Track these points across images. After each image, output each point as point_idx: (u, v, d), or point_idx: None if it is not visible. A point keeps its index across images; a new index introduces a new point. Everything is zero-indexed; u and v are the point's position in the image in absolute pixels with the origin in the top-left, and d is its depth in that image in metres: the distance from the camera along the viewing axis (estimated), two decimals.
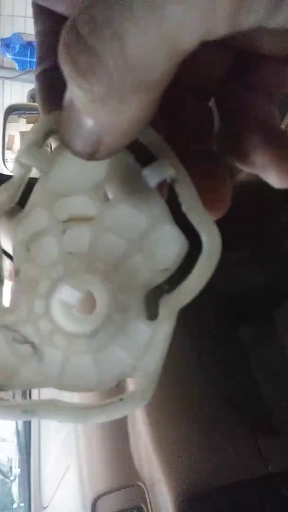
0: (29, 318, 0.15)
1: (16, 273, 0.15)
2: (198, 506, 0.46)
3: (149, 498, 0.49)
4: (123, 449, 0.53)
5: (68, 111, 0.12)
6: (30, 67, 2.03)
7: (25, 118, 1.30)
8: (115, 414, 0.15)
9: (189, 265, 0.15)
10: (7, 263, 0.16)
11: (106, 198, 0.15)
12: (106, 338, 0.15)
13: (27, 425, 0.83)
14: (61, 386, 0.15)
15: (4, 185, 0.15)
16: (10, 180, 0.15)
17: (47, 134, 0.15)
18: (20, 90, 2.25)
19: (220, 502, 0.46)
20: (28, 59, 2.03)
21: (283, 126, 0.47)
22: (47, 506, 0.65)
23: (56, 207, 0.15)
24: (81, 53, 0.09)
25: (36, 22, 0.15)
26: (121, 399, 0.15)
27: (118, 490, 0.51)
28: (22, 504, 0.94)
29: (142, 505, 0.49)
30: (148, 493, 0.50)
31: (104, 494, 0.51)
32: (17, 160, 0.15)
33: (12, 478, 1.09)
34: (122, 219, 0.15)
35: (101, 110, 0.10)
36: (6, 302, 0.16)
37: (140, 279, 0.16)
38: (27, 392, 0.75)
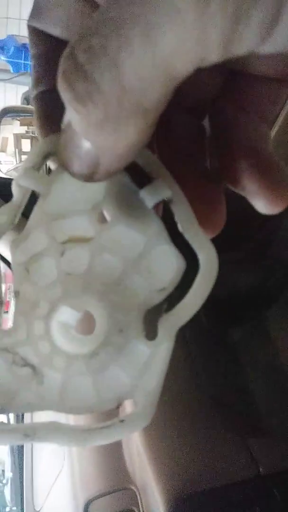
0: (28, 340, 0.15)
1: (16, 294, 0.15)
2: (189, 508, 0.46)
3: (141, 502, 0.49)
4: (115, 452, 0.53)
5: (66, 134, 0.12)
6: (24, 69, 2.03)
7: (19, 120, 1.30)
8: (116, 436, 0.14)
9: (187, 281, 0.16)
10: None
11: (104, 219, 0.16)
12: (106, 358, 0.15)
13: None
14: (62, 409, 0.15)
15: (3, 208, 0.15)
16: (9, 202, 0.15)
17: (46, 157, 0.15)
18: (14, 92, 2.24)
19: (211, 504, 0.47)
20: (23, 61, 2.03)
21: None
22: (39, 510, 0.65)
23: (54, 228, 0.15)
24: (79, 80, 0.10)
25: (31, 45, 0.15)
26: (122, 421, 0.14)
27: (110, 493, 0.51)
28: (14, 508, 0.94)
29: (134, 508, 0.50)
30: (140, 496, 0.50)
31: (96, 497, 0.51)
32: (16, 183, 0.15)
33: (4, 481, 1.09)
34: (120, 240, 0.16)
35: (99, 134, 0.11)
36: (5, 325, 0.16)
37: (138, 299, 0.16)
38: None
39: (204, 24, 0.09)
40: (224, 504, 0.46)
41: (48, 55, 0.15)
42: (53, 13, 0.14)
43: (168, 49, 0.09)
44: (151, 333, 0.15)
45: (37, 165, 0.15)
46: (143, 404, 0.15)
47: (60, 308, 0.15)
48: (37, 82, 0.15)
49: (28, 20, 0.15)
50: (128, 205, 0.15)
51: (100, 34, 0.09)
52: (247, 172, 0.15)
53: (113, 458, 0.53)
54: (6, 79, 2.06)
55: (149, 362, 0.15)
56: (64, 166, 0.13)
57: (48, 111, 0.15)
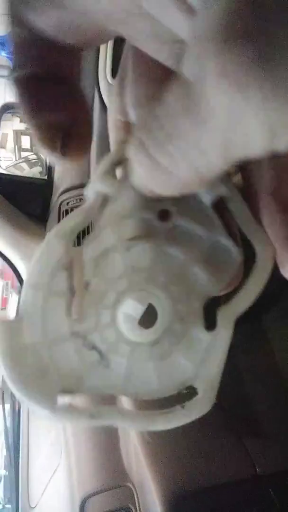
0: (96, 327, 0.17)
1: (86, 286, 0.17)
2: (186, 507, 0.46)
3: (137, 499, 0.50)
4: (112, 450, 0.54)
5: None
6: None
7: (19, 117, 1.29)
8: (177, 421, 0.15)
9: (244, 273, 0.17)
10: None
11: (166, 215, 0.17)
12: (168, 346, 0.16)
13: (16, 424, 0.83)
14: (125, 392, 0.16)
15: (79, 210, 0.17)
16: (82, 206, 0.17)
17: (117, 164, 0.16)
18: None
19: (208, 503, 0.47)
20: None
21: None
22: (35, 507, 0.65)
23: (121, 227, 0.17)
24: (147, 158, 0.13)
25: (13, 32, 0.15)
26: (183, 407, 0.15)
27: (107, 490, 0.51)
28: (8, 505, 0.94)
29: (131, 506, 0.50)
30: (136, 494, 0.50)
31: (92, 494, 0.51)
32: (93, 188, 0.17)
33: None
34: (181, 235, 0.17)
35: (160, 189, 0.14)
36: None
37: (199, 289, 0.17)
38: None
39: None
40: (220, 503, 0.47)
41: (30, 42, 0.15)
42: (49, 13, 0.14)
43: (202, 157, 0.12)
44: (210, 323, 0.16)
45: (110, 172, 0.16)
46: (204, 391, 0.16)
47: (126, 300, 0.16)
48: (19, 66, 0.15)
49: (13, 5, 0.14)
50: (188, 203, 0.17)
51: (153, 137, 0.12)
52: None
53: (110, 455, 0.53)
54: (6, 76, 2.04)
55: (209, 349, 0.16)
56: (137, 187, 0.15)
57: (36, 97, 0.15)
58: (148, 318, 0.16)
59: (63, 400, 0.16)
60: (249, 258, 0.17)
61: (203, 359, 0.16)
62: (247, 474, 0.47)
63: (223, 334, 0.16)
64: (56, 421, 0.16)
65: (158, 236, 0.17)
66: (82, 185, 0.80)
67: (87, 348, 0.16)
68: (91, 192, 0.17)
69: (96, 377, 0.16)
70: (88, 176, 0.76)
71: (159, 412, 0.15)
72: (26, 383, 0.16)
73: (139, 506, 0.49)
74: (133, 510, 0.49)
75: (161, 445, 0.50)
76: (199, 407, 0.15)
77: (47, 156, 0.17)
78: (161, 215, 0.17)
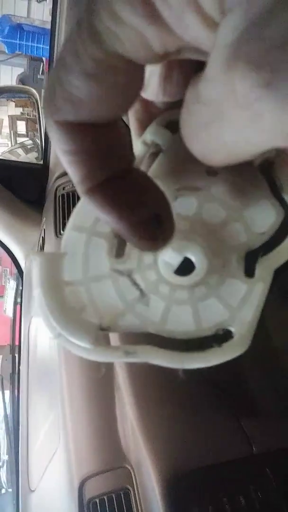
0: (138, 268, 0.18)
1: None
2: (183, 487, 0.47)
3: (135, 480, 0.50)
4: (110, 431, 0.54)
5: None
6: (19, 50, 1.99)
7: (14, 101, 1.27)
8: (214, 360, 0.16)
9: (284, 230, 0.18)
10: None
11: (214, 171, 0.17)
12: (206, 290, 0.17)
13: (16, 410, 0.83)
14: (161, 331, 0.17)
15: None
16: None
17: (169, 123, 0.17)
18: (9, 73, 2.20)
19: (205, 482, 0.47)
20: (17, 41, 1.98)
21: None
22: (34, 490, 0.66)
23: (170, 178, 0.17)
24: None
25: (65, 141, 0.14)
26: (220, 346, 0.16)
27: (105, 472, 0.52)
28: (10, 490, 0.95)
29: (129, 486, 0.50)
30: (134, 475, 0.50)
31: (91, 476, 0.52)
32: (143, 139, 0.17)
33: (0, 464, 1.10)
34: (227, 191, 0.18)
35: None
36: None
37: (240, 241, 0.18)
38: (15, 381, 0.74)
39: None
40: (217, 482, 0.47)
41: (95, 146, 0.14)
42: (96, 105, 0.13)
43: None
44: (249, 272, 0.18)
45: (163, 125, 0.17)
46: (240, 333, 0.17)
47: (166, 248, 0.17)
48: (90, 175, 0.14)
49: (56, 116, 0.13)
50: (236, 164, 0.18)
51: None
52: None
53: (108, 437, 0.54)
54: (1, 60, 2.02)
55: (247, 296, 0.17)
56: None
57: (117, 199, 0.15)
58: (190, 267, 0.17)
59: (101, 336, 0.16)
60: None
61: (240, 305, 0.17)
62: (244, 453, 0.48)
63: (261, 283, 0.17)
64: (94, 357, 0.17)
65: (204, 190, 0.18)
66: None
67: (130, 284, 0.17)
68: (138, 144, 0.17)
69: (134, 315, 0.17)
70: None
71: (196, 351, 0.16)
72: (67, 317, 0.17)
73: (137, 487, 0.49)
74: (131, 491, 0.50)
75: (158, 426, 0.50)
76: (235, 348, 0.16)
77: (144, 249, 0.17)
78: (209, 170, 0.17)
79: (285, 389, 0.55)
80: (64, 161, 0.14)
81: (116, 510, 0.49)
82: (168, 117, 0.17)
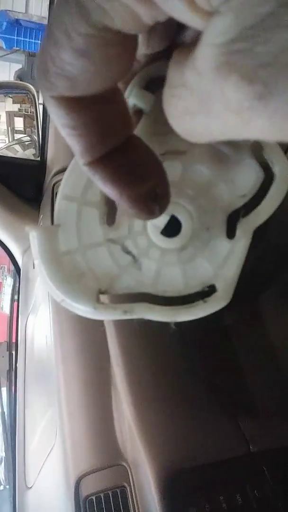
0: (129, 235, 0.19)
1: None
2: (180, 485, 0.46)
3: (132, 478, 0.50)
4: (107, 429, 0.54)
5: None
6: (17, 46, 1.97)
7: (11, 98, 1.26)
8: (200, 313, 0.18)
9: (263, 192, 0.19)
10: None
11: None
12: (193, 252, 0.19)
13: (12, 406, 0.83)
14: (155, 291, 0.19)
15: None
16: None
17: (150, 81, 0.17)
18: (7, 69, 2.19)
19: (202, 481, 0.47)
20: (15, 37, 1.97)
21: None
22: (31, 487, 0.66)
23: (154, 142, 0.17)
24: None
25: (65, 115, 0.14)
26: (205, 301, 0.18)
27: (102, 469, 0.52)
28: (8, 486, 0.95)
29: (125, 484, 0.50)
30: (131, 473, 0.50)
31: (87, 473, 0.52)
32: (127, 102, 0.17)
33: None
34: (210, 153, 0.18)
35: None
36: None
37: (223, 203, 0.19)
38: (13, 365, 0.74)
39: None
40: (214, 481, 0.47)
41: (94, 120, 0.14)
42: (94, 81, 0.13)
43: None
44: (231, 233, 0.19)
45: (143, 86, 0.17)
46: (223, 288, 0.18)
47: None
48: (91, 149, 0.14)
49: (52, 92, 0.13)
50: None
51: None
52: None
53: (105, 435, 0.53)
54: None
55: (229, 255, 0.19)
56: None
57: (120, 171, 0.15)
58: (177, 228, 0.18)
59: (100, 299, 0.18)
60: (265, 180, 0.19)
61: (223, 263, 0.18)
62: (241, 451, 0.48)
63: (242, 242, 0.18)
64: (96, 317, 0.18)
65: (188, 154, 0.18)
66: None
67: (122, 252, 0.18)
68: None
69: (128, 278, 0.19)
70: None
71: (183, 306, 0.18)
72: (67, 284, 0.18)
73: (133, 485, 0.49)
74: (128, 489, 0.50)
75: (155, 424, 0.50)
76: (218, 301, 0.18)
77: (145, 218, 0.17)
78: None
79: (283, 388, 0.55)
80: (63, 134, 0.14)
81: (112, 507, 0.49)
82: (147, 74, 0.17)
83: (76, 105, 0.13)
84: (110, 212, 0.18)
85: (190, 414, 0.51)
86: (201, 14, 0.10)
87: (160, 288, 0.19)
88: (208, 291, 0.18)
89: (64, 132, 0.14)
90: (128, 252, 0.18)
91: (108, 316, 0.18)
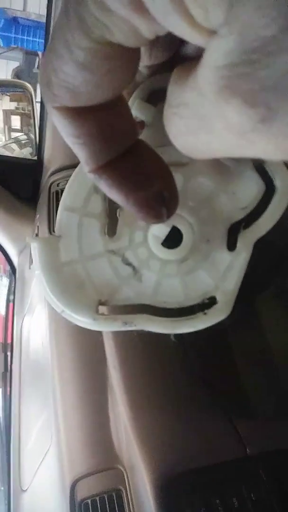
0: (130, 246, 0.19)
1: (121, 208, 0.18)
2: (176, 488, 0.46)
3: (128, 481, 0.49)
4: (102, 432, 0.53)
5: None
6: (14, 44, 1.96)
7: (8, 96, 1.26)
8: (200, 325, 0.18)
9: (264, 204, 0.19)
10: None
11: None
12: (194, 264, 0.19)
13: (7, 408, 0.82)
14: (155, 302, 0.19)
15: None
16: None
17: (151, 93, 0.17)
18: (4, 68, 2.18)
19: (198, 484, 0.47)
20: (13, 35, 1.96)
21: None
22: (26, 489, 0.65)
23: None
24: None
25: (69, 125, 0.14)
26: (205, 313, 0.18)
27: (97, 473, 0.51)
28: (2, 489, 0.94)
29: (121, 487, 0.50)
30: (127, 476, 0.50)
31: (83, 476, 0.51)
32: None
33: None
34: (211, 166, 0.18)
35: None
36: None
37: (224, 215, 0.19)
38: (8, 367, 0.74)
39: None
40: (211, 483, 0.47)
41: (98, 128, 0.14)
42: (98, 90, 0.13)
43: None
44: (232, 245, 0.19)
45: (144, 99, 0.17)
46: (223, 301, 0.18)
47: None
48: (96, 156, 0.14)
49: (55, 103, 0.13)
50: None
51: None
52: None
53: (101, 437, 0.53)
54: None
55: (229, 267, 0.19)
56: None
57: (127, 178, 0.15)
58: (178, 239, 0.18)
59: (100, 310, 0.18)
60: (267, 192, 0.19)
61: (224, 275, 0.19)
62: (237, 454, 0.47)
63: (243, 255, 0.19)
64: (96, 328, 0.18)
65: (189, 165, 0.18)
66: (72, 166, 0.78)
67: (123, 263, 0.19)
68: None
69: (129, 289, 0.19)
70: None
71: (185, 318, 0.18)
72: (67, 295, 0.18)
73: (129, 488, 0.49)
74: (124, 492, 0.49)
75: (151, 427, 0.49)
76: (218, 314, 0.18)
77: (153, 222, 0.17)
78: None
79: (280, 390, 0.55)
80: (68, 143, 0.14)
81: (108, 511, 0.48)
82: (149, 86, 0.17)
83: (79, 115, 0.14)
84: (111, 223, 0.19)
85: (187, 416, 0.50)
86: (201, 31, 0.10)
87: (160, 299, 0.19)
88: (208, 303, 0.18)
89: (68, 141, 0.14)
90: (128, 264, 0.19)
91: (108, 327, 0.18)
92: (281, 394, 0.55)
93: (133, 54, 0.13)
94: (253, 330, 0.62)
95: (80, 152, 0.14)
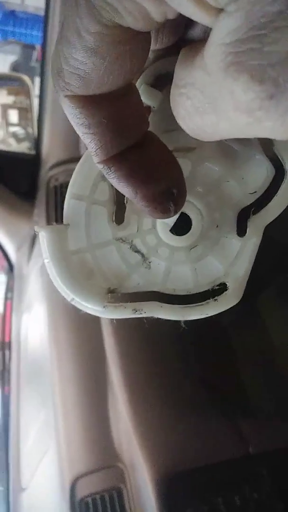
0: (138, 233, 0.19)
1: None
2: (177, 487, 0.46)
3: (128, 479, 0.49)
4: (103, 430, 0.53)
5: None
6: (12, 37, 1.95)
7: (6, 89, 1.24)
8: (211, 311, 0.18)
9: (274, 189, 0.18)
10: None
11: None
12: (203, 250, 0.19)
13: (6, 406, 0.82)
14: (164, 289, 0.19)
15: None
16: None
17: (157, 77, 0.17)
18: (2, 61, 2.16)
19: (200, 482, 0.46)
20: (11, 28, 1.94)
21: None
22: (26, 488, 0.65)
23: (163, 139, 0.17)
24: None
25: (83, 114, 0.14)
26: (215, 300, 0.18)
27: (97, 471, 0.51)
28: (2, 488, 0.94)
29: (122, 485, 0.49)
30: (127, 474, 0.49)
31: (83, 475, 0.51)
32: None
33: None
34: (219, 149, 0.18)
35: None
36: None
37: (233, 200, 0.18)
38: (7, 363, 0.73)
39: None
40: (212, 482, 0.46)
41: (108, 118, 0.14)
42: (109, 79, 0.13)
43: None
44: (242, 231, 0.19)
45: (150, 83, 0.17)
46: (233, 287, 0.18)
47: None
48: (106, 147, 0.14)
49: (67, 91, 0.13)
50: None
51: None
52: None
53: (101, 435, 0.53)
54: None
55: (240, 253, 0.18)
56: None
57: (138, 169, 0.15)
58: (187, 226, 0.18)
59: (109, 298, 0.18)
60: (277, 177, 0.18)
61: (234, 261, 0.18)
62: (240, 453, 0.47)
63: (252, 240, 0.18)
64: (106, 316, 0.18)
65: (198, 150, 0.18)
66: (71, 160, 0.77)
67: (131, 251, 0.19)
68: None
69: (138, 276, 0.19)
70: (77, 149, 0.73)
71: (195, 304, 0.18)
72: (77, 283, 0.18)
73: (130, 486, 0.49)
74: (124, 490, 0.49)
75: (152, 425, 0.49)
76: (229, 300, 0.18)
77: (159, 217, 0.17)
78: None
79: (282, 389, 0.54)
80: (79, 133, 0.14)
81: (108, 510, 0.48)
82: (155, 71, 0.17)
83: (90, 103, 0.13)
84: (118, 211, 0.19)
85: (189, 415, 0.50)
86: (208, 10, 0.10)
87: (169, 286, 0.19)
88: (219, 289, 0.18)
89: (79, 131, 0.14)
90: (137, 251, 0.19)
91: (118, 315, 0.18)
92: (283, 391, 0.54)
93: (142, 38, 0.13)
94: (254, 329, 0.61)
95: (90, 143, 0.14)
